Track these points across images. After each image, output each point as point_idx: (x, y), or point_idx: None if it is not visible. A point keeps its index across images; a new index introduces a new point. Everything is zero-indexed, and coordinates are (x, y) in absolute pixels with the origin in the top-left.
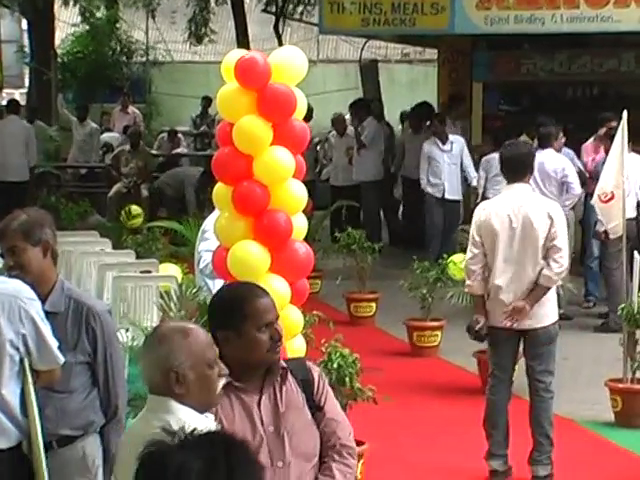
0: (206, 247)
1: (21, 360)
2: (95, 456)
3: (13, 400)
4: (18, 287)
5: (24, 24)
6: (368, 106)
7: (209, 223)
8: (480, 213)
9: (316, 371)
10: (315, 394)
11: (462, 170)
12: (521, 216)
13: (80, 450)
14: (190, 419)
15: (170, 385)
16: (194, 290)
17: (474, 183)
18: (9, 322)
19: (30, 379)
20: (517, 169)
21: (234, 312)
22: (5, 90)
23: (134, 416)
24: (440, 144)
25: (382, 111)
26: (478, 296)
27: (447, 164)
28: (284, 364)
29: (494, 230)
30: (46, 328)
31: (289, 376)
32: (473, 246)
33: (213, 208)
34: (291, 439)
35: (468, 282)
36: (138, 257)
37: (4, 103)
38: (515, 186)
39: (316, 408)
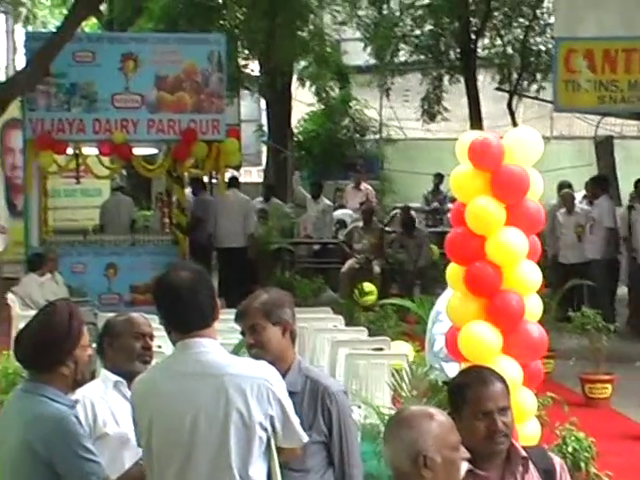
0: (440, 330)
1: (268, 439)
2: None
3: (260, 478)
4: (266, 369)
5: (263, 104)
6: (605, 183)
7: (443, 304)
8: None
9: (558, 462)
10: None
11: None
12: None
13: None
14: None
15: (418, 470)
16: (425, 369)
17: None
18: (258, 405)
19: (276, 457)
20: None
21: (457, 397)
22: (243, 168)
23: None
24: None
25: (617, 188)
26: None
27: None
28: (524, 453)
29: None
30: (291, 408)
31: (530, 466)
32: None
33: None
34: None
35: None
36: (370, 334)
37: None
38: None
39: None
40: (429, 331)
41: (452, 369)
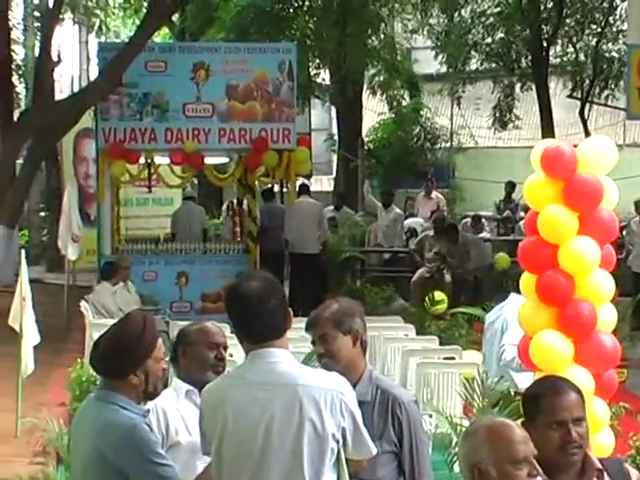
0: (510, 340)
1: (338, 450)
2: None
3: None
4: (338, 381)
5: (333, 112)
6: None
7: (511, 312)
8: None
9: (635, 474)
10: None
11: None
12: None
13: None
14: None
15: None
16: (497, 379)
17: None
18: (332, 416)
19: (345, 469)
20: None
21: (531, 406)
22: (314, 176)
23: None
24: None
25: None
26: None
27: None
28: (599, 465)
29: None
30: (361, 419)
31: (606, 478)
32: None
33: None
34: None
35: None
36: (441, 343)
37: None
38: None
39: None
40: (492, 339)
41: (523, 379)
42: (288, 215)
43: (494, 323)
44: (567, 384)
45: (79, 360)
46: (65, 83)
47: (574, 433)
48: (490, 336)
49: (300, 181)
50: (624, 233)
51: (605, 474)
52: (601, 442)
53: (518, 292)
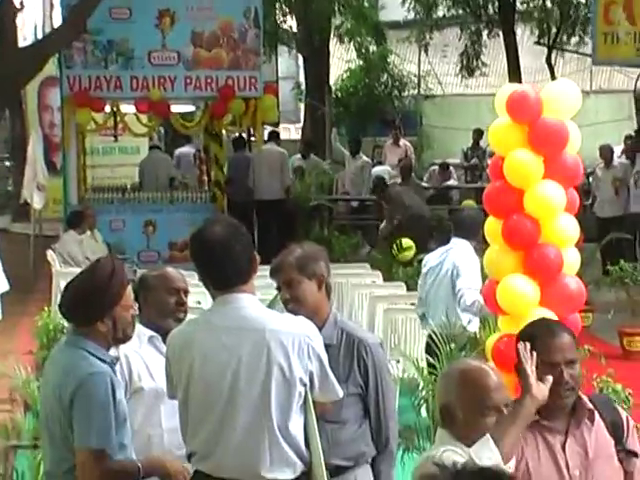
0: (466, 284)
1: (305, 394)
2: None
3: (298, 433)
4: (306, 325)
5: (300, 60)
6: None
7: (459, 257)
8: None
9: (625, 415)
10: (625, 438)
11: None
12: None
13: None
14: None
15: (443, 419)
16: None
17: None
18: (299, 360)
19: (313, 411)
20: None
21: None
22: (282, 125)
23: (405, 448)
24: None
25: None
26: None
27: None
28: (590, 405)
29: None
30: (327, 362)
31: (597, 418)
32: None
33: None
34: None
35: None
36: (409, 289)
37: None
38: None
39: (625, 453)
40: (437, 283)
41: (469, 320)
42: (253, 163)
43: (438, 267)
44: (560, 326)
45: (46, 308)
46: (28, 30)
47: (567, 375)
48: (434, 280)
49: (269, 129)
50: (590, 180)
51: (596, 413)
52: None
53: (460, 236)
